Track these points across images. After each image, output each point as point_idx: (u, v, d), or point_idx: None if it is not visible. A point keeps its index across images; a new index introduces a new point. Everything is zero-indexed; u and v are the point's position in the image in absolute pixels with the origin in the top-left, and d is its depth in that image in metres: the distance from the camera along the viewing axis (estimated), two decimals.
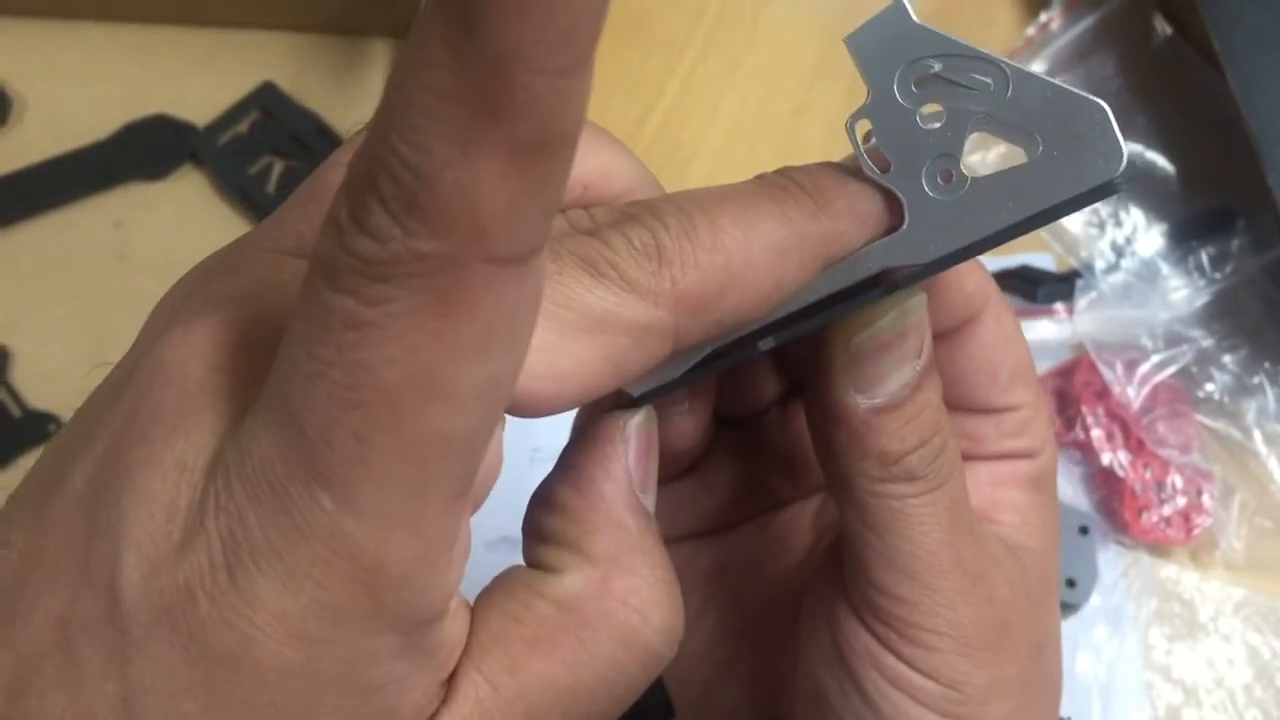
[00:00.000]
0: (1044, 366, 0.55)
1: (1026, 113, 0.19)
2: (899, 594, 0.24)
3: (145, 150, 0.57)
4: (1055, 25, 0.58)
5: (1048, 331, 0.55)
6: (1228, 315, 0.52)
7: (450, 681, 0.18)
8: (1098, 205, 0.56)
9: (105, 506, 0.16)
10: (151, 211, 0.57)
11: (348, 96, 0.60)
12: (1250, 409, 0.52)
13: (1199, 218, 0.55)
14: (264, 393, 0.15)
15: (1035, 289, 0.54)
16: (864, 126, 0.20)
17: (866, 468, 0.23)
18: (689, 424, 0.26)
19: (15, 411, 0.53)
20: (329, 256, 0.14)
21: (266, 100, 0.58)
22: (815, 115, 0.60)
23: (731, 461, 0.30)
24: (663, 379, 0.21)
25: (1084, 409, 0.53)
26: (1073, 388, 0.53)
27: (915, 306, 0.23)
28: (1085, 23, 0.58)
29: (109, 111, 0.58)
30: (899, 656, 0.24)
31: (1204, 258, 0.53)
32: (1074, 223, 0.56)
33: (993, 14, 0.62)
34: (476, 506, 0.18)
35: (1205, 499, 0.52)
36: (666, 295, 0.18)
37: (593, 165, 0.21)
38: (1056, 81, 0.20)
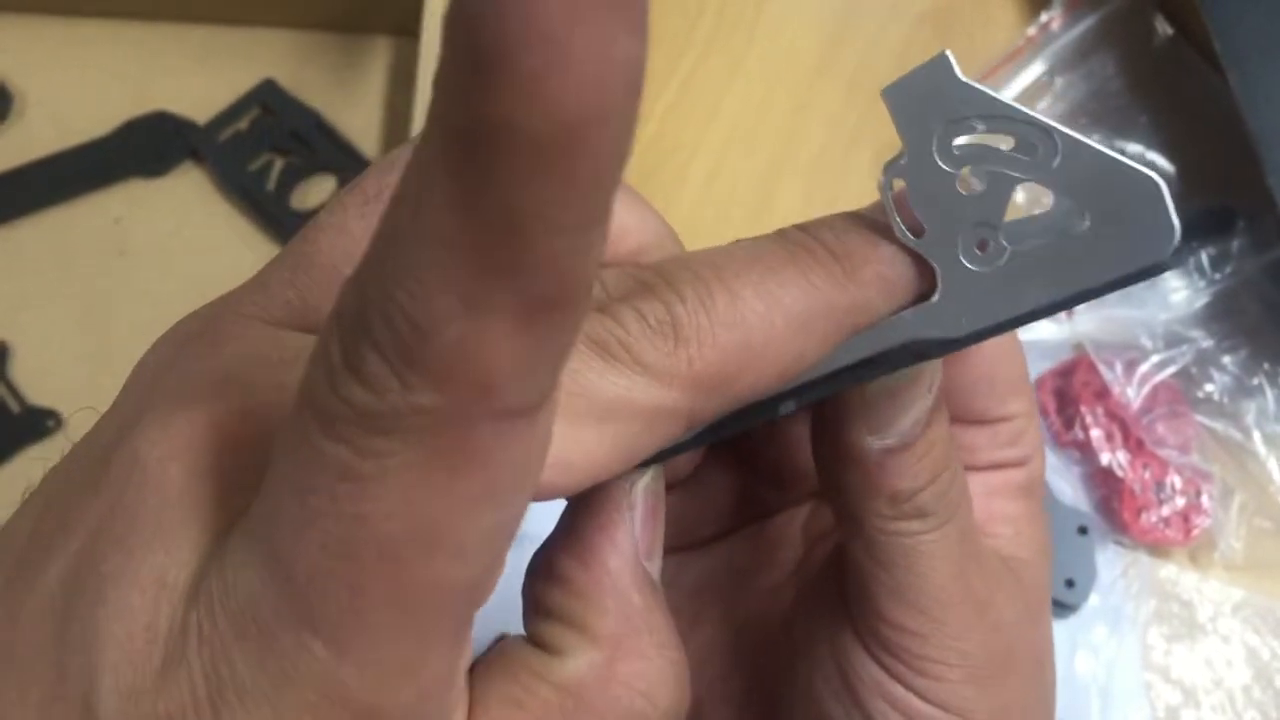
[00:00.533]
0: (1043, 366, 0.55)
1: (1074, 184, 0.18)
2: (909, 627, 0.24)
3: (146, 147, 0.57)
4: (1056, 25, 0.58)
5: (1047, 331, 0.55)
6: (1227, 316, 0.52)
7: None
8: None
9: (79, 617, 0.15)
10: (152, 208, 0.57)
11: (348, 94, 0.60)
12: (1250, 410, 0.52)
13: (1199, 218, 0.55)
14: (250, 522, 0.15)
15: None
16: (898, 183, 0.19)
17: (878, 506, 0.23)
18: (684, 458, 0.26)
19: (14, 407, 0.53)
20: (321, 399, 0.13)
21: (267, 97, 0.58)
22: (816, 114, 0.60)
23: (720, 473, 0.30)
24: (676, 439, 0.20)
25: (1083, 409, 0.53)
26: (1072, 388, 0.53)
27: None
28: (1086, 23, 0.58)
29: (110, 108, 0.58)
30: (908, 688, 0.24)
31: (1204, 258, 0.53)
32: None
33: (993, 13, 0.62)
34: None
35: (1204, 499, 0.52)
36: (683, 376, 0.17)
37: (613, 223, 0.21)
38: (1110, 152, 0.18)
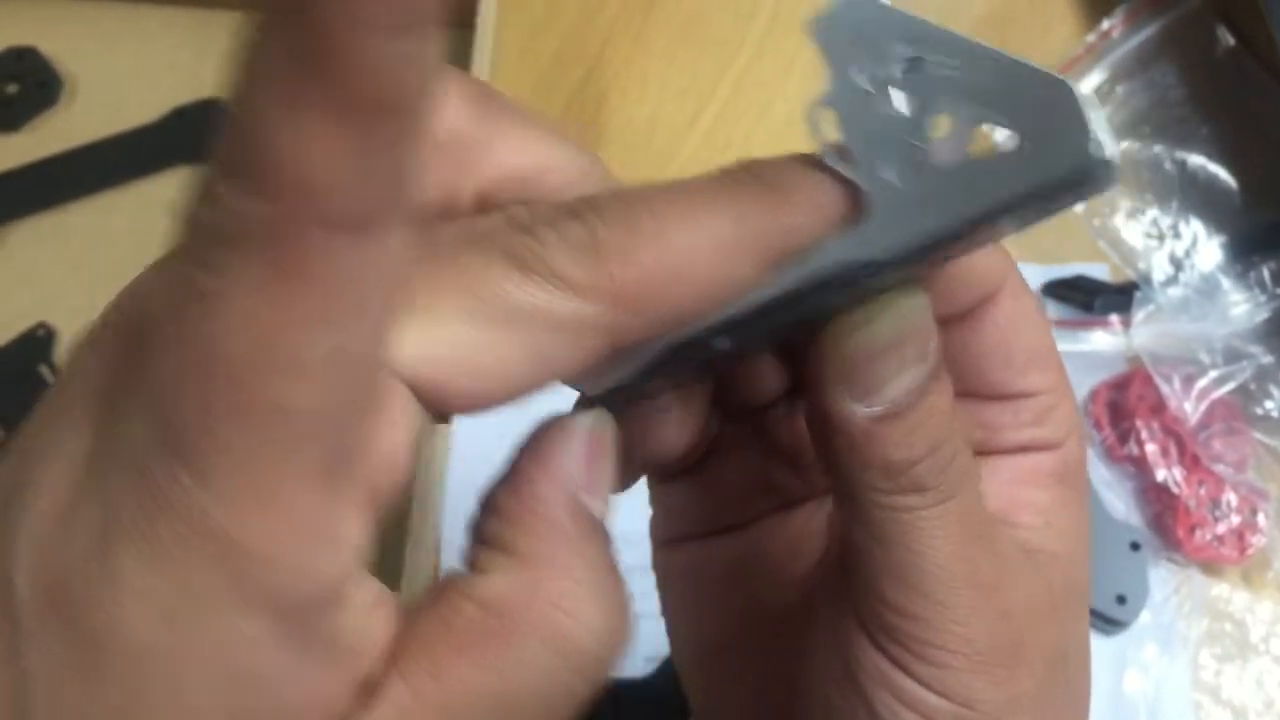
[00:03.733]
0: (1098, 378, 0.54)
1: (992, 96, 0.18)
2: (910, 610, 0.23)
3: (195, 134, 0.57)
4: (1116, 33, 0.57)
5: (1103, 343, 0.54)
6: None
7: (374, 686, 0.17)
8: (1156, 217, 0.55)
9: (7, 506, 0.16)
10: None
11: None
12: None
13: (1260, 232, 0.54)
14: (133, 375, 0.15)
15: (1092, 299, 0.54)
16: (829, 117, 0.19)
17: (871, 479, 0.22)
18: (672, 430, 0.25)
19: None
20: (182, 229, 0.14)
21: None
22: None
23: (737, 457, 0.29)
24: (616, 379, 0.20)
25: (1138, 423, 0.52)
26: (1127, 401, 0.53)
27: (912, 309, 0.22)
28: (1147, 31, 0.57)
29: (160, 95, 0.58)
30: (911, 675, 0.23)
31: (1265, 273, 0.52)
32: (1132, 234, 0.55)
33: (1052, 19, 0.61)
34: (378, 506, 0.17)
35: (1260, 518, 0.51)
36: (601, 291, 0.18)
37: (529, 161, 0.20)
38: (1024, 60, 0.18)
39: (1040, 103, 0.18)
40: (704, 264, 0.18)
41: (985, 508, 0.24)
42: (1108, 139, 0.17)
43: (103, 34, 0.59)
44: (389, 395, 0.17)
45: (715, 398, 0.28)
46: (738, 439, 0.29)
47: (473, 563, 0.19)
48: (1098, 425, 0.53)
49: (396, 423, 0.17)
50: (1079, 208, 0.55)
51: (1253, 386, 0.51)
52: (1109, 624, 0.50)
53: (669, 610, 0.30)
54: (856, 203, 0.19)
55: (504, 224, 0.18)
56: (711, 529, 0.30)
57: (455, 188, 0.20)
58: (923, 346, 0.22)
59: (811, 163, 0.20)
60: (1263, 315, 0.52)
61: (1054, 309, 0.55)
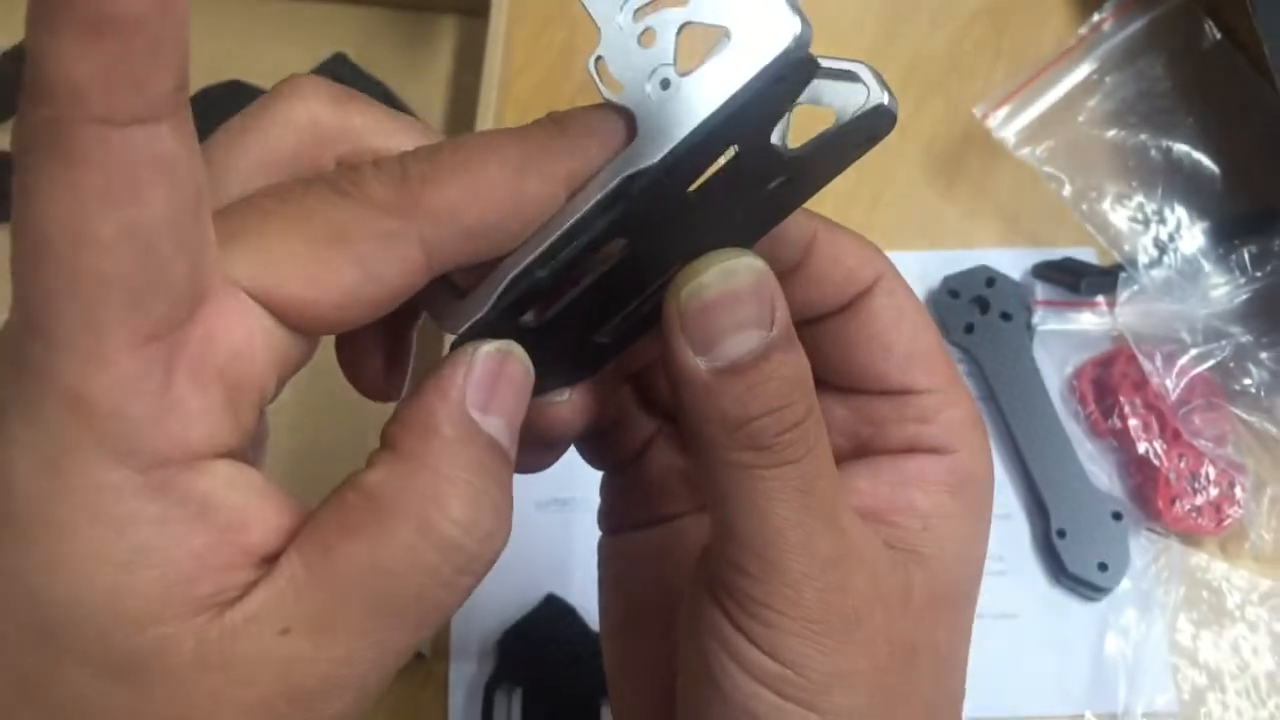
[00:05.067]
0: (1084, 356, 0.56)
1: (713, 10, 0.21)
2: (744, 567, 0.24)
3: (222, 114, 0.59)
4: (1107, 25, 0.59)
5: (1089, 323, 0.56)
6: (1267, 313, 0.54)
7: (273, 561, 0.20)
8: (1141, 202, 0.57)
9: None
10: None
11: (415, 70, 0.62)
12: None
13: (1242, 218, 0.56)
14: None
15: (1078, 281, 0.56)
16: (603, 65, 0.22)
17: (712, 432, 0.23)
18: (567, 412, 0.27)
19: None
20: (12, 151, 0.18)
21: (338, 70, 0.60)
22: None
23: (669, 454, 0.31)
24: (473, 314, 0.23)
25: (1122, 399, 0.54)
26: (1111, 378, 0.55)
27: (742, 268, 0.23)
28: (1136, 24, 0.59)
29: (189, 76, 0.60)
30: (742, 631, 0.24)
31: (1245, 256, 0.54)
32: (1119, 219, 0.57)
33: (1046, 12, 0.63)
34: (243, 400, 0.20)
35: (1237, 491, 0.53)
36: (406, 207, 0.21)
37: (382, 140, 0.24)
38: None
39: (749, 6, 0.21)
40: (496, 180, 0.21)
41: (843, 496, 0.25)
42: (799, 20, 0.21)
43: None
44: (228, 298, 0.20)
45: (648, 398, 0.30)
46: (671, 438, 0.31)
47: (368, 461, 0.22)
48: (1083, 401, 0.55)
49: (238, 320, 0.20)
50: (1065, 192, 0.57)
51: (1232, 364, 0.53)
52: (1091, 590, 0.53)
53: (601, 591, 0.32)
54: (632, 128, 0.22)
55: (336, 170, 0.22)
56: (642, 521, 0.31)
57: (319, 161, 0.23)
58: (762, 311, 0.23)
59: (596, 106, 0.23)
60: (1242, 296, 0.54)
61: (1042, 290, 0.57)
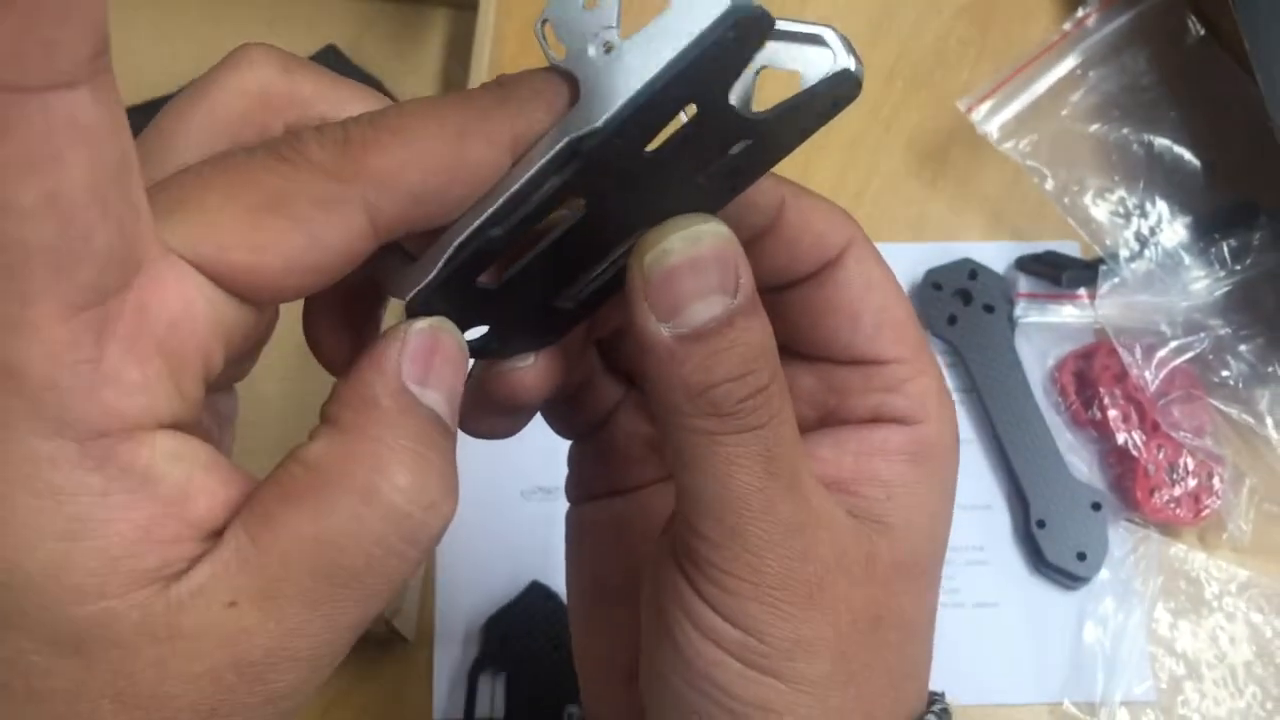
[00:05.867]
0: (1065, 349, 0.57)
1: None
2: (706, 534, 0.24)
3: None
4: (1091, 21, 0.60)
5: (1070, 316, 0.57)
6: (1246, 306, 0.54)
7: (218, 534, 0.20)
8: (1123, 196, 0.58)
9: None
10: None
11: (406, 62, 0.62)
12: (1264, 397, 0.54)
13: (1222, 212, 0.57)
14: None
15: (1060, 274, 0.56)
16: (549, 29, 0.23)
17: (676, 399, 0.23)
18: (532, 377, 0.27)
19: None
20: None
21: (329, 62, 0.61)
22: (867, 83, 0.62)
23: (635, 421, 0.31)
24: (421, 279, 0.23)
25: (1102, 390, 0.54)
26: (1092, 370, 0.55)
27: (706, 234, 0.23)
28: (1120, 20, 0.60)
29: (182, 65, 0.60)
30: (703, 598, 0.24)
31: (1225, 250, 0.55)
32: (1100, 212, 0.57)
33: (1031, 8, 0.64)
34: (184, 370, 0.20)
35: (1215, 482, 0.53)
36: (351, 172, 0.21)
37: (330, 105, 0.24)
38: None
39: None
40: (439, 144, 0.21)
41: (806, 462, 0.25)
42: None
43: (121, 8, 0.62)
44: (164, 267, 0.19)
45: (615, 364, 0.30)
46: (637, 405, 0.31)
47: (309, 436, 0.22)
48: (1064, 393, 0.56)
49: (175, 290, 0.19)
50: (1048, 186, 0.58)
51: (1211, 357, 0.54)
52: (1070, 579, 0.53)
53: (567, 562, 0.32)
54: (576, 91, 0.23)
55: (280, 137, 0.22)
56: (608, 490, 0.31)
57: (266, 128, 0.23)
58: (726, 277, 0.23)
59: (540, 70, 0.23)
60: (1222, 290, 0.55)
61: (1025, 283, 0.57)
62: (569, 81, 0.23)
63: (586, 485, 0.32)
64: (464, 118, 0.22)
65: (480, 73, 0.57)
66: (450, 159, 0.21)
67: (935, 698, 0.28)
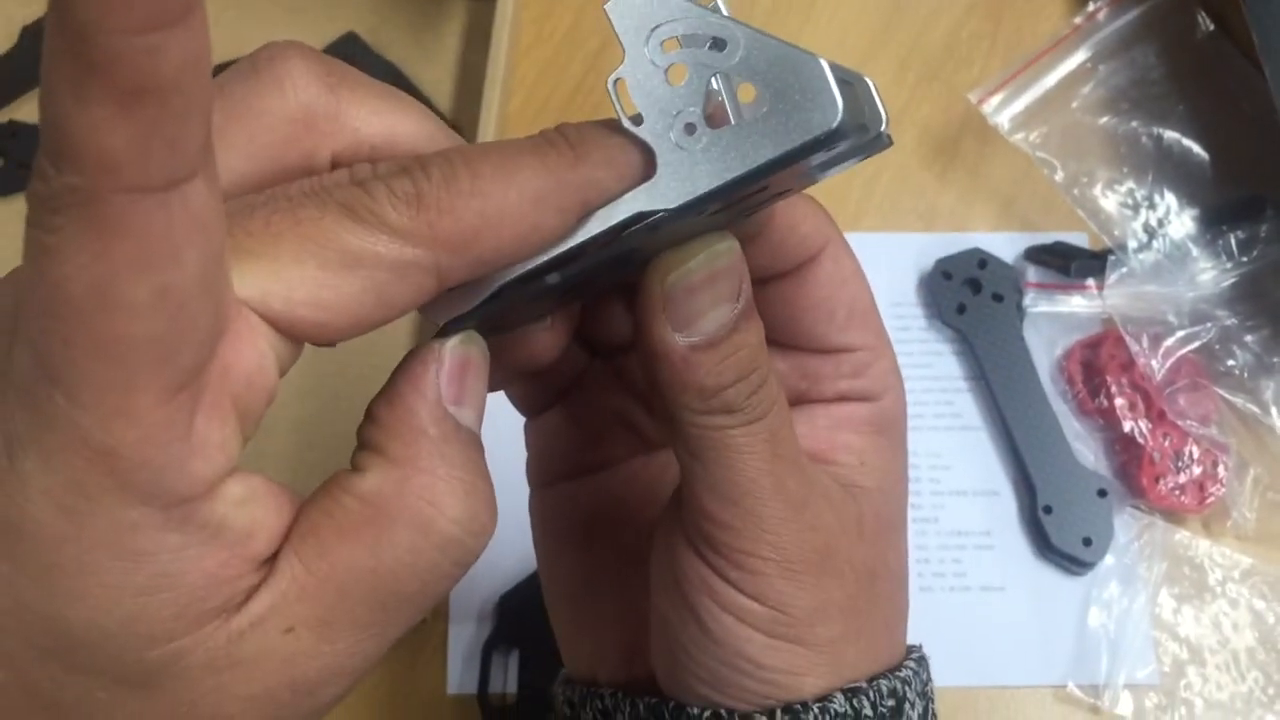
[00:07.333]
0: (1073, 338, 0.57)
1: (756, 72, 0.21)
2: (725, 521, 0.25)
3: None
4: (1102, 15, 0.60)
5: (1078, 305, 0.57)
6: (1252, 297, 0.55)
7: (271, 565, 0.20)
8: (1132, 188, 0.58)
9: None
10: None
11: (425, 51, 0.63)
12: (1269, 387, 0.54)
13: (1230, 205, 0.57)
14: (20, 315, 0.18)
15: (1069, 264, 0.57)
16: (624, 86, 0.22)
17: (688, 401, 0.25)
18: (549, 338, 0.28)
19: None
20: (26, 200, 0.17)
21: (349, 49, 0.62)
22: (880, 76, 0.62)
23: (600, 394, 0.32)
24: (461, 308, 0.23)
25: (1109, 379, 0.55)
26: (1099, 359, 0.56)
27: (724, 251, 0.24)
28: (1130, 15, 0.60)
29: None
30: (727, 581, 0.26)
31: (1232, 241, 0.55)
32: (1109, 204, 0.58)
33: (1043, 3, 0.65)
34: (249, 415, 0.20)
35: (1220, 470, 0.54)
36: (423, 237, 0.20)
37: (379, 129, 0.23)
38: (783, 41, 0.21)
39: (799, 77, 0.21)
40: (513, 213, 0.21)
41: (798, 440, 0.26)
42: (845, 105, 0.21)
43: None
44: (241, 324, 0.19)
45: (582, 332, 0.30)
46: (602, 376, 0.32)
47: (355, 464, 0.22)
48: (1071, 381, 0.57)
49: (251, 346, 0.20)
50: (1058, 178, 0.58)
51: (1217, 346, 0.55)
52: (1075, 564, 0.54)
53: (540, 551, 0.33)
54: (649, 162, 0.22)
55: (345, 179, 0.21)
56: (578, 469, 0.32)
57: (311, 153, 0.22)
58: (734, 287, 0.25)
59: (612, 127, 0.23)
60: (1228, 280, 0.55)
61: (1033, 273, 0.58)
62: (644, 154, 0.22)
63: (554, 465, 0.32)
64: (539, 185, 0.21)
65: (498, 61, 0.57)
66: (524, 227, 0.21)
67: (912, 647, 0.31)
